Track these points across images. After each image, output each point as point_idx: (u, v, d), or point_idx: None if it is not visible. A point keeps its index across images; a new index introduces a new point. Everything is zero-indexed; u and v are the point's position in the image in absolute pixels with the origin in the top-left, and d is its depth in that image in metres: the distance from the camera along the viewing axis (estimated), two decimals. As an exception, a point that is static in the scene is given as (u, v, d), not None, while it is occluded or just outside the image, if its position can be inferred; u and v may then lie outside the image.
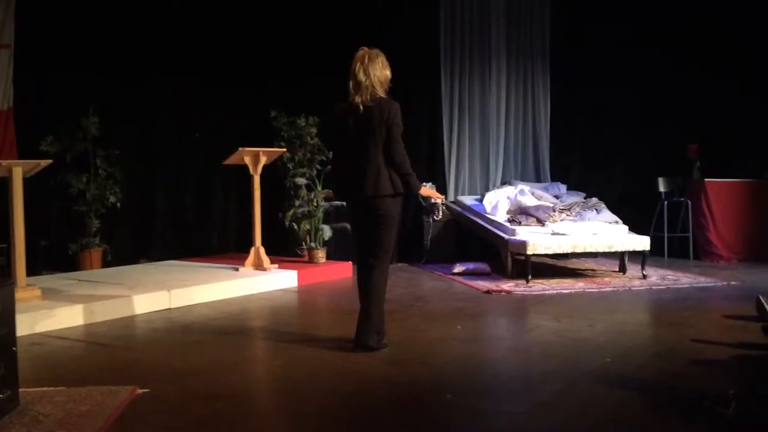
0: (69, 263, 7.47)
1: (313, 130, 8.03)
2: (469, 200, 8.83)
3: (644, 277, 7.19)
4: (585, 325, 5.17)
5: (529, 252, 6.94)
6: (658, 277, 7.34)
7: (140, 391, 3.62)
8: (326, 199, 7.89)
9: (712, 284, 6.96)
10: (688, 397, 3.51)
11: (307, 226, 7.84)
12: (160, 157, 8.53)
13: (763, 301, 5.17)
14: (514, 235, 7.28)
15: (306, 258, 7.84)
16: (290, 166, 7.97)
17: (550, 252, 7.14)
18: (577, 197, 8.31)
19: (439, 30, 9.17)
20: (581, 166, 9.70)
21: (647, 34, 9.17)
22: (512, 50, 9.47)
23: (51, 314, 5.13)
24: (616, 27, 9.17)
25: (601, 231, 7.29)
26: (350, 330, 4.48)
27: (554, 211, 7.64)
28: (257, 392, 3.90)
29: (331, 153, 6.70)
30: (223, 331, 5.13)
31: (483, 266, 7.65)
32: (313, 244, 7.79)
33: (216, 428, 3.20)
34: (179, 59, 8.24)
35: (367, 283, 4.39)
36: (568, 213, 7.69)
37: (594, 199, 8.04)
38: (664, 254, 8.72)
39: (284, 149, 7.73)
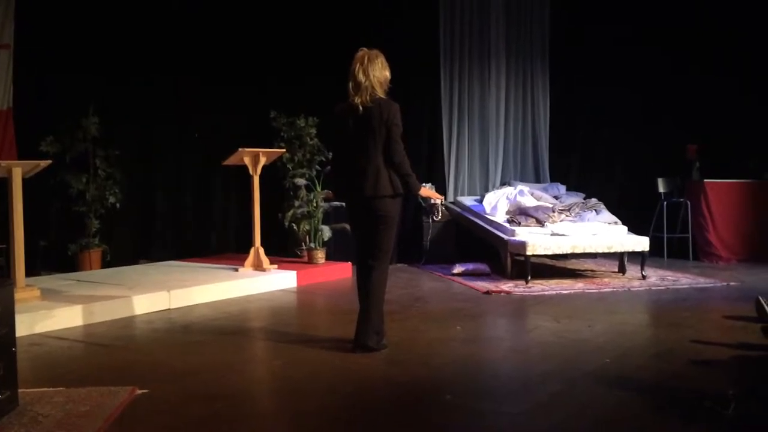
0: (68, 264, 7.47)
1: (313, 131, 8.04)
2: (468, 201, 8.83)
3: (643, 277, 7.19)
4: (584, 325, 5.17)
5: (529, 252, 6.94)
6: (657, 277, 7.34)
7: (140, 391, 3.62)
8: (326, 200, 7.89)
9: (712, 285, 6.96)
10: (687, 398, 3.51)
11: (307, 227, 7.84)
12: (159, 158, 8.54)
13: (762, 301, 5.16)
14: (513, 235, 7.28)
15: (305, 258, 7.84)
16: (290, 166, 7.97)
17: (550, 252, 7.15)
18: (576, 198, 8.31)
19: (439, 30, 9.17)
20: (581, 167, 9.70)
21: (647, 34, 9.17)
22: (512, 50, 9.48)
23: (50, 315, 5.13)
24: (615, 27, 9.18)
25: (601, 231, 7.29)
26: (349, 330, 4.48)
27: (554, 211, 7.64)
28: (257, 392, 3.90)
29: (330, 153, 6.71)
30: (223, 331, 5.13)
31: (482, 267, 7.65)
32: (312, 245, 7.79)
33: (216, 428, 3.19)
34: (179, 59, 8.25)
35: (367, 284, 4.39)
36: (568, 214, 7.69)
37: (593, 200, 8.05)
38: (664, 255, 8.72)
39: (284, 150, 7.74)
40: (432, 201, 8.51)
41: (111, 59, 7.80)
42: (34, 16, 7.51)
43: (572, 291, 6.60)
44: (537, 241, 7.01)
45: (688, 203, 8.80)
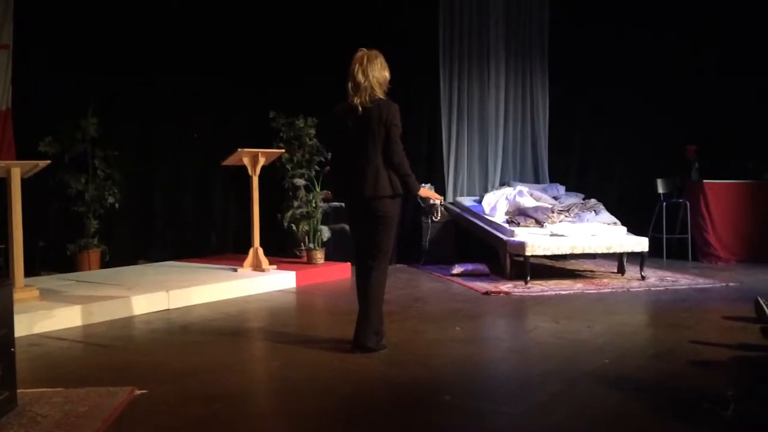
0: (67, 264, 7.47)
1: (312, 131, 8.04)
2: (467, 201, 8.84)
3: (643, 278, 7.19)
4: (584, 326, 5.17)
5: (528, 253, 6.94)
6: (656, 278, 7.34)
7: (139, 391, 3.62)
8: (325, 200, 7.89)
9: (711, 285, 6.96)
10: (686, 399, 3.51)
11: (306, 227, 7.84)
12: (158, 158, 8.53)
13: (761, 302, 5.16)
14: (512, 236, 7.28)
15: (304, 259, 7.84)
16: (289, 166, 7.97)
17: (549, 253, 7.14)
18: (575, 198, 8.31)
19: (438, 31, 9.17)
20: (580, 168, 9.71)
21: (646, 34, 9.18)
22: (511, 51, 9.48)
23: (49, 315, 5.13)
24: (614, 28, 9.19)
25: (600, 232, 7.29)
26: (349, 331, 4.48)
27: (553, 212, 7.64)
28: (256, 393, 3.90)
29: (329, 154, 6.71)
30: (222, 331, 5.13)
31: (482, 267, 7.65)
32: (311, 245, 7.79)
33: (214, 429, 3.20)
34: (178, 60, 8.24)
35: (366, 284, 4.39)
36: (567, 214, 7.70)
37: (593, 201, 8.05)
38: (663, 255, 8.72)
39: (283, 150, 7.74)
40: (431, 201, 8.51)
41: (110, 59, 7.79)
42: (33, 17, 7.50)
43: (571, 291, 6.60)
44: (536, 241, 7.01)
45: (688, 204, 8.80)
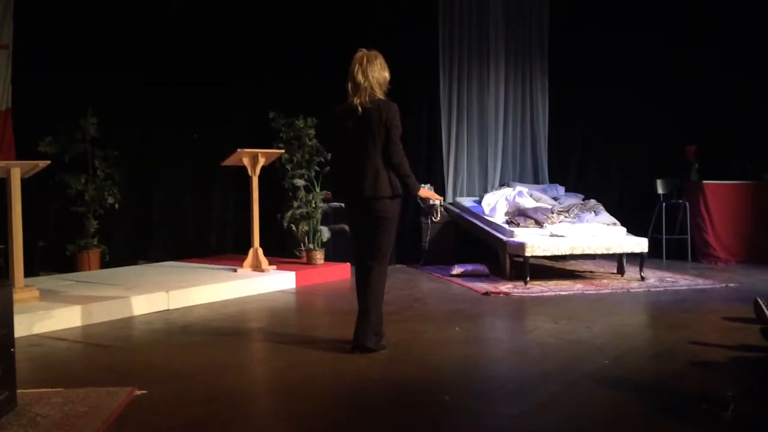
0: (67, 264, 7.47)
1: (312, 132, 8.03)
2: (467, 202, 8.84)
3: (642, 278, 7.19)
4: (583, 326, 5.17)
5: (528, 254, 6.94)
6: (656, 278, 7.35)
7: (138, 392, 3.62)
8: (324, 201, 7.89)
9: (710, 286, 6.96)
10: (686, 399, 3.51)
11: (306, 228, 7.84)
12: (158, 158, 8.53)
13: (761, 303, 5.16)
14: (512, 236, 7.28)
15: (304, 259, 7.84)
16: (289, 167, 7.97)
17: (549, 254, 7.15)
18: (575, 199, 8.31)
19: (438, 31, 9.17)
20: (579, 168, 9.71)
21: (646, 35, 9.18)
22: (511, 51, 9.49)
23: (49, 315, 5.13)
24: (614, 28, 9.19)
25: (600, 233, 7.29)
26: (348, 331, 4.48)
27: (552, 212, 7.65)
28: (255, 393, 3.90)
29: (329, 154, 6.71)
30: (221, 332, 5.13)
31: (481, 268, 7.65)
32: (311, 246, 7.79)
33: (214, 429, 3.20)
34: (178, 60, 8.25)
35: (366, 285, 4.39)
36: (567, 215, 7.70)
37: (592, 201, 8.05)
38: (663, 256, 8.73)
39: (283, 150, 7.73)
40: (431, 202, 8.51)
41: (110, 60, 7.79)
42: (33, 17, 7.50)
43: (571, 292, 6.60)
44: (536, 242, 7.02)
45: (687, 204, 8.81)
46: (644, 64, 9.22)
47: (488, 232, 7.81)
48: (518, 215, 7.70)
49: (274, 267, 7.21)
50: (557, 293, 6.55)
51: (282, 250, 8.23)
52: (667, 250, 8.82)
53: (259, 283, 6.75)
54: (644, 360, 4.33)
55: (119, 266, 7.54)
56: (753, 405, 3.46)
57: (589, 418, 3.29)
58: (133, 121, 8.24)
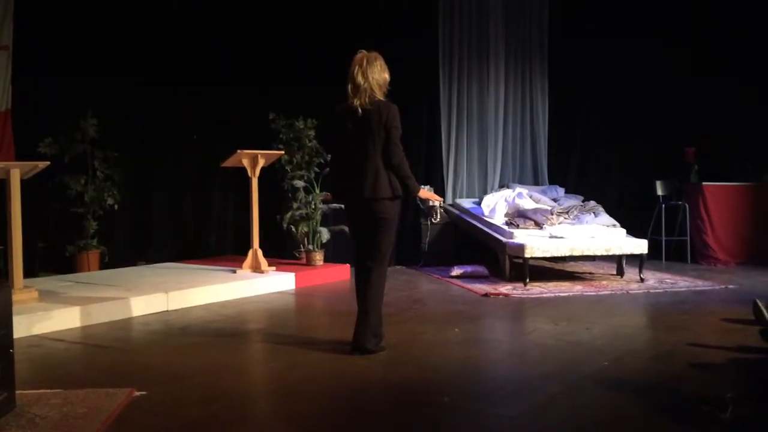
0: (66, 265, 7.46)
1: (312, 133, 8.03)
2: (467, 203, 8.84)
3: (642, 280, 7.19)
4: (583, 328, 5.17)
5: (527, 255, 6.94)
6: (655, 280, 7.34)
7: (137, 393, 3.62)
8: (324, 202, 7.89)
9: (710, 288, 6.96)
10: (685, 401, 3.51)
11: (305, 229, 7.83)
12: (158, 159, 8.52)
13: (760, 304, 5.15)
14: (512, 238, 7.28)
15: (304, 260, 7.84)
16: (288, 168, 7.97)
17: (548, 255, 7.15)
18: (575, 200, 8.31)
19: (438, 31, 9.18)
20: (579, 170, 9.71)
21: (646, 36, 9.19)
22: (510, 52, 9.49)
23: (48, 316, 5.13)
24: (614, 29, 9.20)
25: (599, 234, 7.29)
26: (348, 333, 4.48)
27: (552, 214, 7.64)
28: (254, 394, 3.89)
29: (329, 155, 6.71)
30: (221, 333, 5.13)
31: (481, 269, 7.65)
32: (310, 247, 7.79)
33: (213, 430, 3.20)
34: (178, 61, 8.25)
35: (365, 286, 4.39)
36: (566, 216, 7.70)
37: (592, 203, 8.05)
38: (662, 257, 8.72)
39: (282, 152, 7.73)
40: (431, 203, 8.51)
41: (110, 60, 7.79)
42: (33, 17, 7.50)
43: (570, 293, 6.60)
44: (535, 243, 7.02)
45: (687, 206, 8.80)
46: (644, 64, 9.23)
47: (488, 233, 7.81)
48: (518, 216, 7.70)
49: (274, 268, 7.20)
50: (557, 294, 6.55)
51: (281, 251, 8.22)
52: (667, 252, 8.82)
53: (259, 285, 6.75)
54: (644, 361, 4.33)
55: (119, 267, 7.54)
56: (752, 406, 3.46)
57: (589, 420, 3.29)
58: (133, 121, 8.24)
